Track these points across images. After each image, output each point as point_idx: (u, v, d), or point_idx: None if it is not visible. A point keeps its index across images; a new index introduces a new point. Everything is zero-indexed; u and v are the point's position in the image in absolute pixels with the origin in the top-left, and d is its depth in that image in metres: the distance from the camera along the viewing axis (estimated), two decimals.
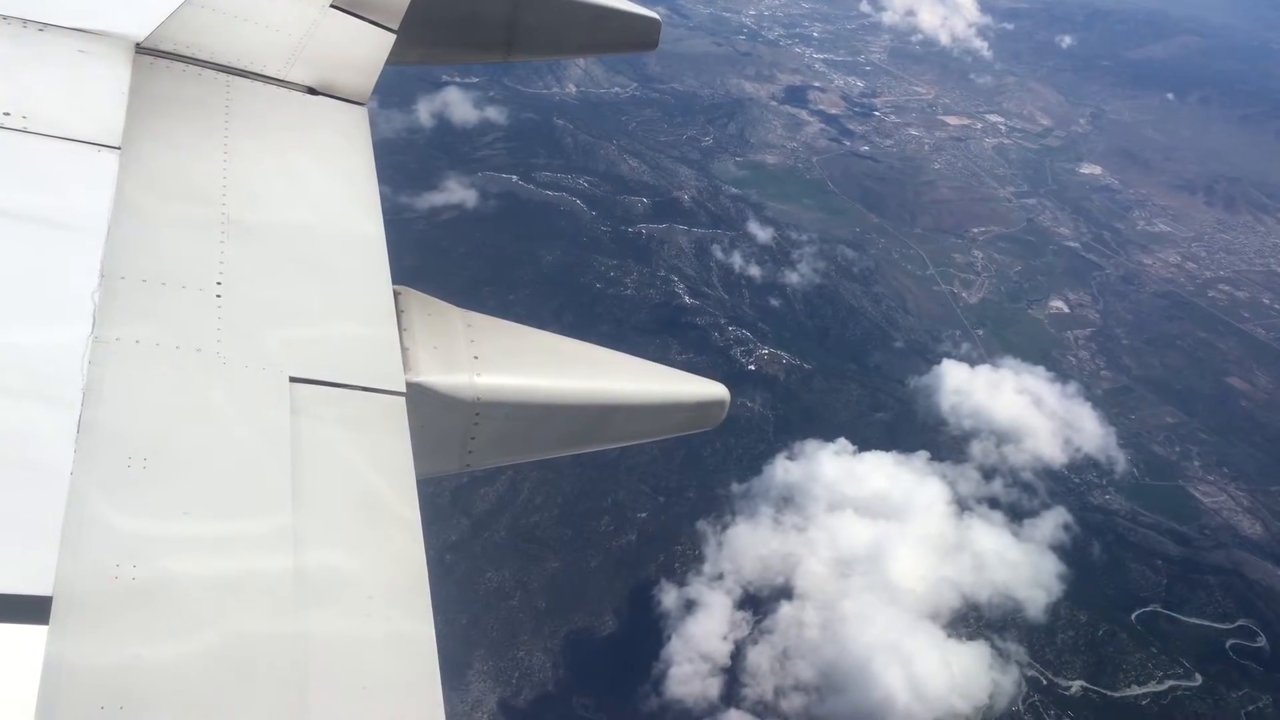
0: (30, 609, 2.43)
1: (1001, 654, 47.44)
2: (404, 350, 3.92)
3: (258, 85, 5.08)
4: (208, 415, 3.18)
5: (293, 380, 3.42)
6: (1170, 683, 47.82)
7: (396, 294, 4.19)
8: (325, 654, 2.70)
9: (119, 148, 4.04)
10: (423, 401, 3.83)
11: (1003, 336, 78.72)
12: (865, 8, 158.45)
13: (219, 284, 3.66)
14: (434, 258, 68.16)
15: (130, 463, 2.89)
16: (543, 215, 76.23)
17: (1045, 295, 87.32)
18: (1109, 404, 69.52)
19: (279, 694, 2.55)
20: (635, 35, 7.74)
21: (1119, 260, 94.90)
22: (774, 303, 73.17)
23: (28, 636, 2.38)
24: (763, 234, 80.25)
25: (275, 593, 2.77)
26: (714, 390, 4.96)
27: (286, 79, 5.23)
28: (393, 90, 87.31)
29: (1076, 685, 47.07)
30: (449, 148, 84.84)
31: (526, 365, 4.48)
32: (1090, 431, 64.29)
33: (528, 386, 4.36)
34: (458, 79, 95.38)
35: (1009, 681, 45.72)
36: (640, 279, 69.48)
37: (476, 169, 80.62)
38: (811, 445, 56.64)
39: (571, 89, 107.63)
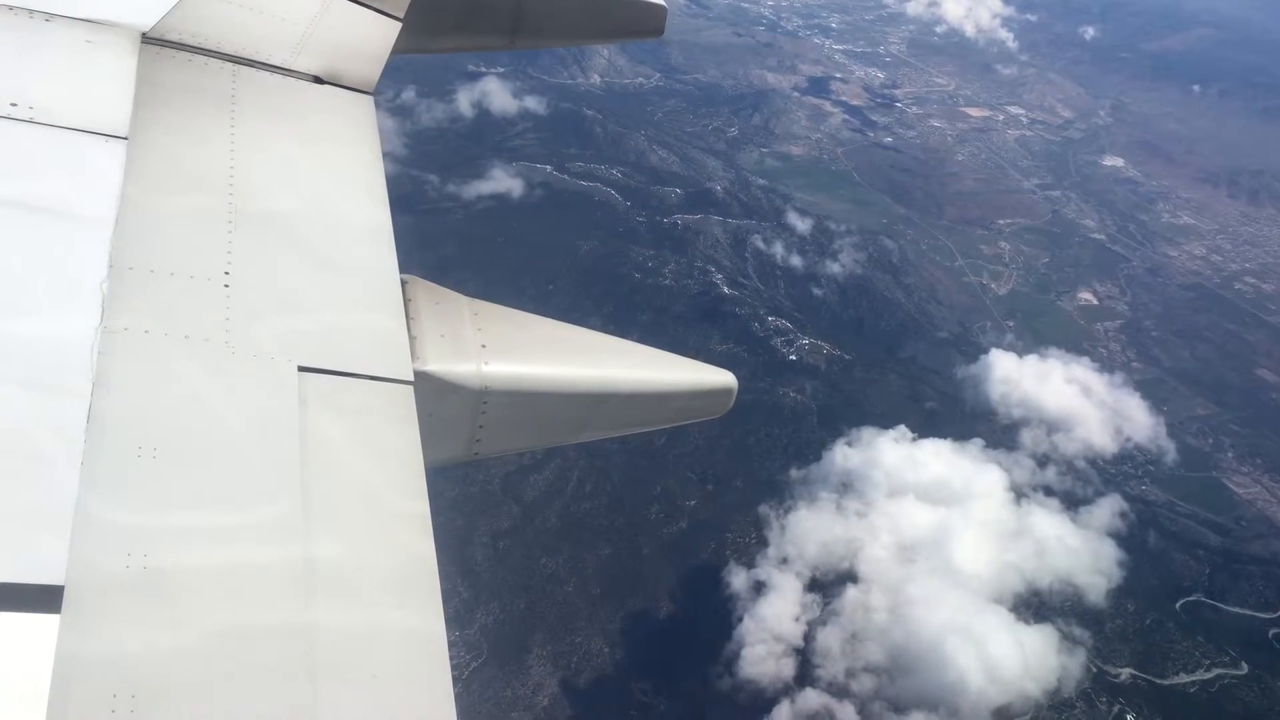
0: (42, 598, 2.43)
1: (1067, 638, 48.10)
2: (411, 339, 3.95)
3: (264, 74, 5.08)
4: (216, 405, 3.19)
5: (301, 370, 3.42)
6: (1217, 671, 48.33)
7: (404, 283, 4.21)
8: (334, 643, 2.70)
9: (126, 138, 4.04)
10: (430, 390, 3.85)
11: (1034, 328, 79.09)
12: None
13: (227, 274, 3.66)
14: (472, 247, 68.59)
15: (140, 452, 2.89)
16: (578, 205, 76.53)
17: (1073, 287, 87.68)
18: (1142, 396, 70.02)
19: (288, 683, 2.55)
20: (642, 21, 7.73)
21: (1145, 252, 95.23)
22: (809, 293, 73.56)
23: (40, 625, 2.37)
24: (795, 225, 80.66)
25: (284, 582, 2.78)
26: (721, 378, 4.94)
27: (293, 68, 5.23)
28: (427, 80, 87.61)
29: (1126, 673, 47.62)
30: (480, 137, 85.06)
31: (534, 353, 4.50)
32: (1137, 421, 65.02)
33: (535, 374, 4.36)
34: (483, 68, 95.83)
35: (1076, 665, 46.37)
36: (678, 269, 69.79)
37: (509, 159, 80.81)
38: (869, 432, 57.24)
39: (596, 79, 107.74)
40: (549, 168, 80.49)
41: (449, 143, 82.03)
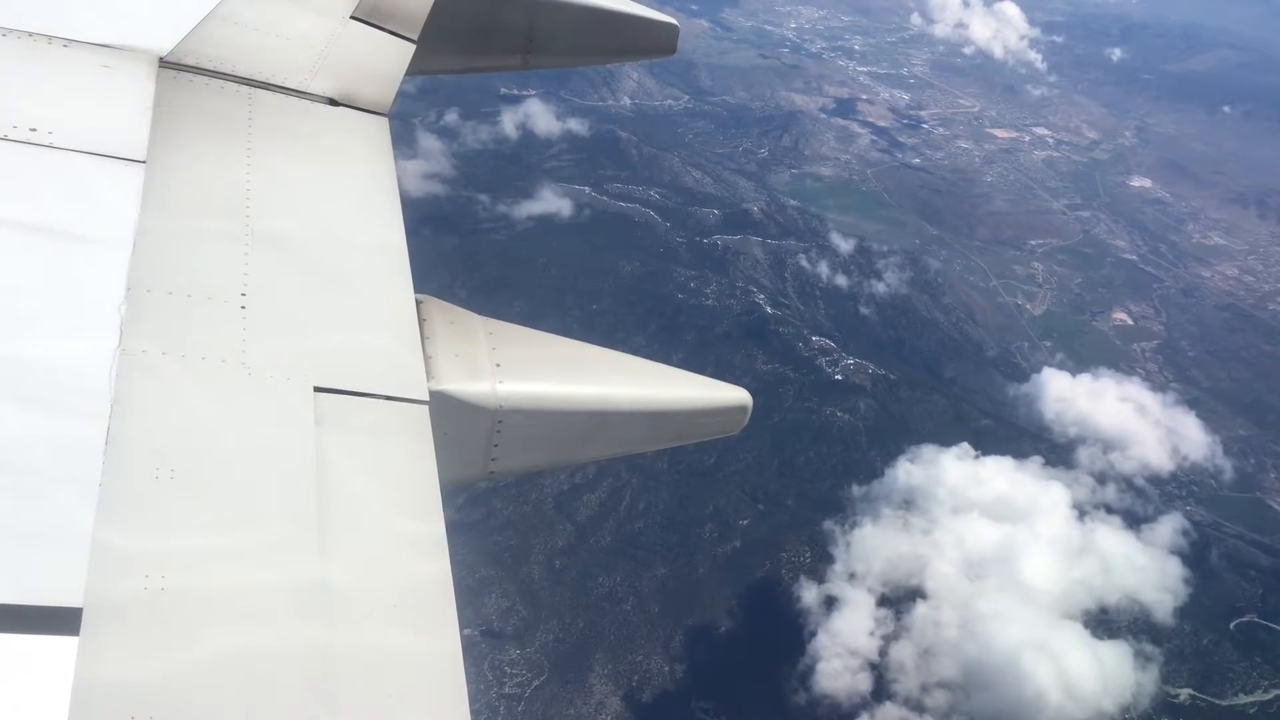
0: (61, 620, 2.43)
1: (1139, 655, 48.18)
2: (426, 359, 3.95)
3: (280, 97, 5.12)
4: (234, 426, 3.21)
5: (317, 390, 3.43)
6: (1275, 692, 48.23)
7: (419, 302, 4.22)
8: (351, 665, 2.69)
9: (144, 161, 4.08)
10: (446, 410, 3.84)
11: (1071, 348, 79.38)
12: (915, 20, 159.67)
13: (243, 295, 3.68)
14: (515, 268, 69.19)
15: (158, 474, 2.90)
16: (619, 226, 77.15)
17: (1108, 307, 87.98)
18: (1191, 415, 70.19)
19: (306, 705, 2.56)
20: (653, 41, 7.73)
21: (1177, 273, 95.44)
22: (850, 313, 74.04)
23: (58, 648, 2.37)
24: (832, 246, 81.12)
25: (301, 603, 2.78)
26: (736, 396, 4.91)
27: (308, 91, 5.26)
28: (463, 101, 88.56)
29: (1185, 693, 47.60)
30: (518, 159, 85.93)
31: (549, 372, 4.49)
32: (1191, 439, 65.33)
33: (550, 393, 4.36)
34: (515, 90, 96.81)
35: (1149, 682, 46.43)
36: (720, 289, 70.20)
37: (548, 180, 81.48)
38: (929, 449, 57.52)
39: (626, 101, 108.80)
40: (588, 189, 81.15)
41: (489, 164, 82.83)
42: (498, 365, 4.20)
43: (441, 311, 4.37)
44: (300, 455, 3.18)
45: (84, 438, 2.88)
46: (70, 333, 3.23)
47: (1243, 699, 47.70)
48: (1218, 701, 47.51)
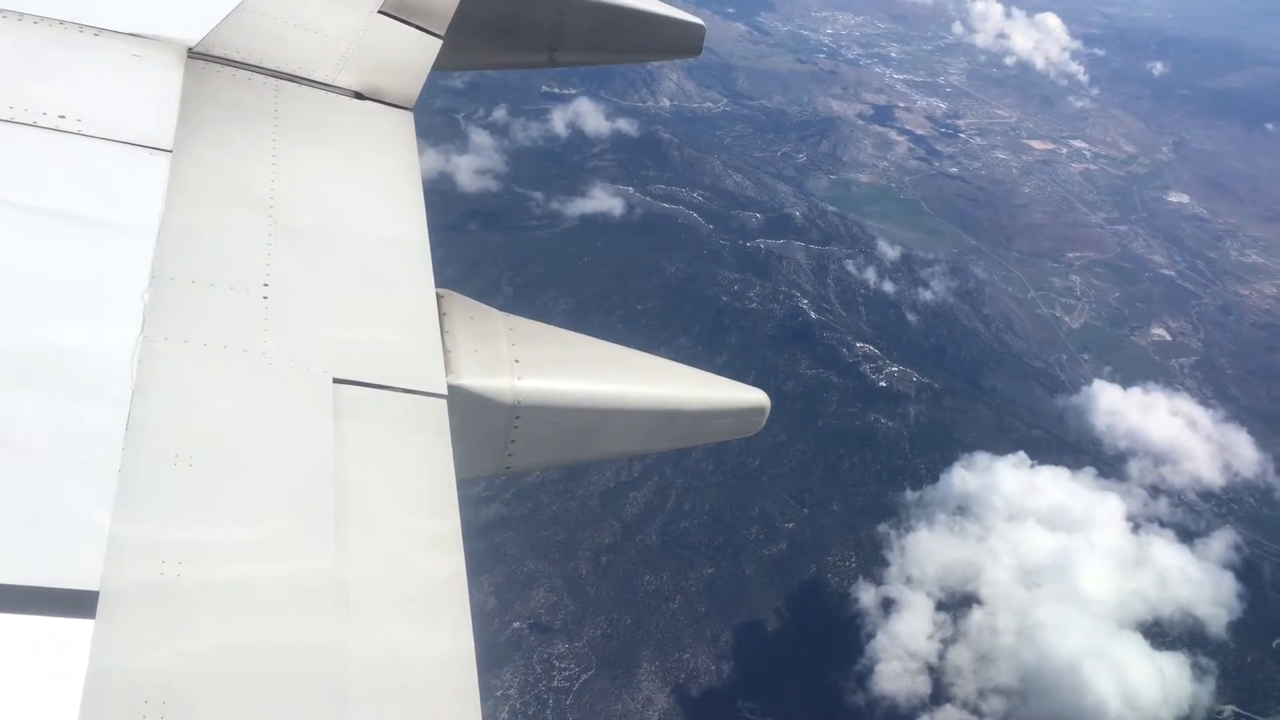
0: (77, 603, 2.45)
1: (1196, 667, 48.44)
2: (446, 353, 3.96)
3: (306, 90, 5.13)
4: (253, 415, 3.23)
5: (336, 381, 3.44)
6: None
7: (439, 297, 4.24)
8: (364, 658, 2.69)
9: (170, 151, 4.11)
10: (464, 404, 3.85)
11: (1110, 362, 79.30)
12: (957, 29, 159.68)
13: (266, 285, 3.70)
14: (558, 267, 69.64)
15: (177, 461, 2.92)
16: (662, 227, 77.56)
17: (1146, 322, 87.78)
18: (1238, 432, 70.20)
19: (319, 696, 2.57)
20: (680, 40, 7.77)
21: (1216, 290, 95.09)
22: (891, 320, 74.26)
23: (74, 630, 2.40)
24: (874, 252, 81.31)
25: (316, 594, 2.78)
26: (754, 397, 4.93)
27: (334, 84, 5.29)
28: (512, 99, 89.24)
29: (1229, 710, 47.70)
30: (560, 158, 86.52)
31: (568, 370, 4.51)
32: (1244, 455, 65.54)
33: (568, 391, 4.37)
34: (555, 89, 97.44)
35: (1205, 695, 46.70)
36: (763, 293, 70.53)
37: (591, 180, 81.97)
38: (983, 457, 57.87)
39: (666, 103, 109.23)
40: (631, 189, 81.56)
41: (539, 161, 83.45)
42: (516, 361, 4.21)
43: (462, 306, 4.38)
44: (318, 447, 3.20)
45: (104, 424, 2.91)
46: (93, 320, 3.27)
47: None
48: (1260, 719, 47.59)
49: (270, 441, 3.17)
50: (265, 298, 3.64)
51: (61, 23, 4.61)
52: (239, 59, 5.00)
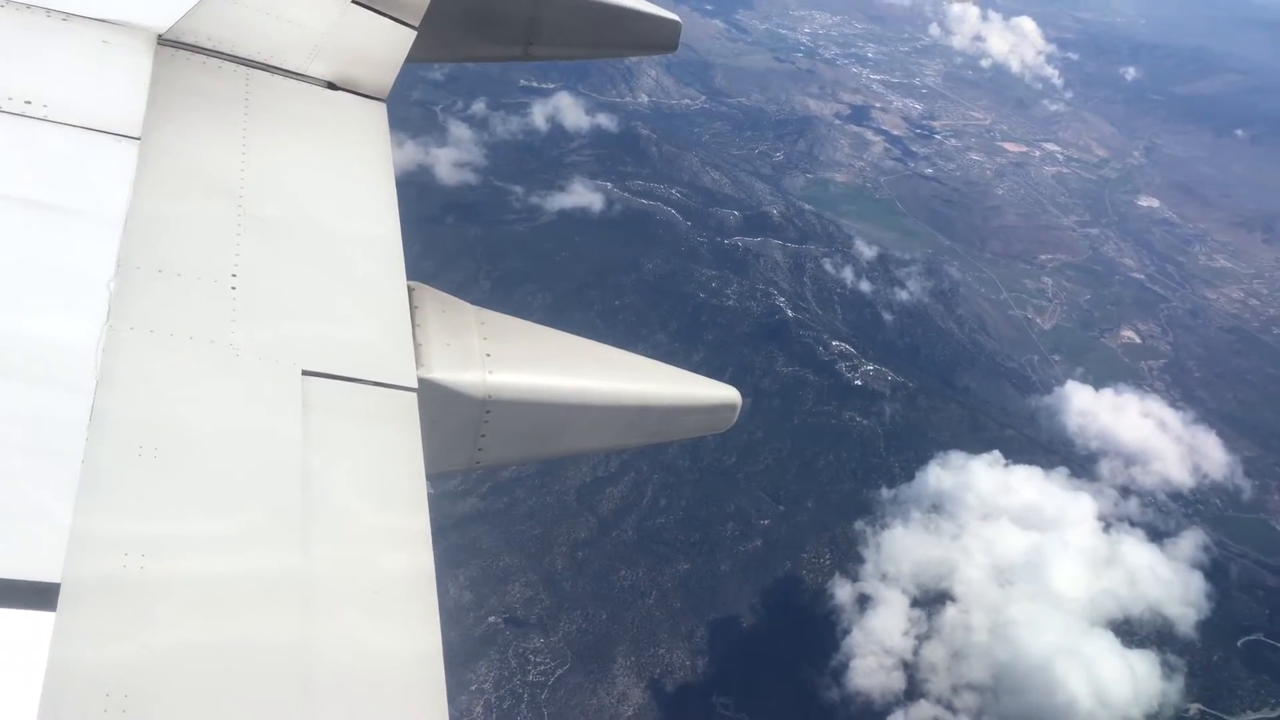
0: (38, 595, 2.42)
1: (1165, 665, 49.16)
2: (417, 346, 3.93)
3: (277, 79, 5.07)
4: (220, 406, 3.19)
5: (305, 374, 3.41)
6: None
7: (411, 290, 4.20)
8: (330, 649, 2.68)
9: (139, 138, 4.04)
10: (434, 397, 3.83)
11: (1081, 363, 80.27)
12: (934, 30, 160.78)
13: (234, 276, 3.65)
14: (536, 261, 69.50)
15: (141, 452, 2.88)
16: (640, 223, 77.58)
17: (1116, 325, 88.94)
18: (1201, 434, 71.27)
19: (283, 689, 2.55)
20: (656, 36, 7.76)
21: (1184, 293, 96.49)
22: (868, 320, 74.74)
23: (35, 623, 2.36)
24: (851, 252, 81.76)
25: (282, 587, 2.75)
26: (725, 394, 4.94)
27: (306, 73, 5.22)
28: (491, 92, 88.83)
29: (1195, 708, 48.46)
30: (539, 153, 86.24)
31: (539, 364, 4.49)
32: (1212, 458, 66.60)
33: (540, 385, 4.37)
34: (534, 83, 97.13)
35: (1173, 692, 47.44)
36: (741, 291, 70.73)
37: (570, 174, 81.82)
38: (958, 456, 58.41)
39: (644, 99, 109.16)
40: (610, 184, 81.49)
41: (518, 155, 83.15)
42: (488, 355, 4.19)
43: (433, 300, 4.35)
44: (286, 439, 3.16)
45: (68, 414, 2.87)
46: (58, 308, 3.22)
47: (1250, 716, 48.58)
48: (1226, 717, 48.38)
49: (237, 433, 3.13)
50: (233, 288, 3.60)
51: (29, 7, 4.52)
52: (209, 46, 4.92)
